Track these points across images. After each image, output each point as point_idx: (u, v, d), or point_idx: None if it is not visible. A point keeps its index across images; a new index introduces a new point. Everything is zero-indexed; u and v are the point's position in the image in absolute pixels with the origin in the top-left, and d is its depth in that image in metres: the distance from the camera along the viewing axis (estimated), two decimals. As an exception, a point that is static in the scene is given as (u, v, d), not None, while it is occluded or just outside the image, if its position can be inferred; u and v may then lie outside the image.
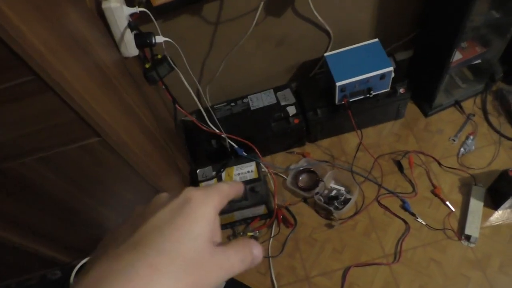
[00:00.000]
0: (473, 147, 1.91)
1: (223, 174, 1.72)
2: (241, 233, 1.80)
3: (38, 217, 1.31)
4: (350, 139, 2.00)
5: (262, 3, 1.42)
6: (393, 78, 1.76)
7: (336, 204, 1.78)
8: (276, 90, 1.95)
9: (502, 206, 1.71)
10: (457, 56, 1.80)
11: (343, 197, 1.80)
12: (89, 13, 1.16)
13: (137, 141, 1.26)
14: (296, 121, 1.83)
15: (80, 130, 1.01)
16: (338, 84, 1.66)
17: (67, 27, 1.00)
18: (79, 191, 1.24)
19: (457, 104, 2.04)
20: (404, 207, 1.78)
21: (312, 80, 1.96)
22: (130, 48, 1.32)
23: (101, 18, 1.23)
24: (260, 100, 1.91)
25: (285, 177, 1.93)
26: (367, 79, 1.69)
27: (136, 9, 1.27)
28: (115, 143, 1.11)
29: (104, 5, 1.19)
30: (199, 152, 1.91)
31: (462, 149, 1.91)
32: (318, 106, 1.86)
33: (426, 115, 2.04)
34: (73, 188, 1.22)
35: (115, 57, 1.30)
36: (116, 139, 1.10)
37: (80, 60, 1.01)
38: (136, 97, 1.39)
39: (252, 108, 1.89)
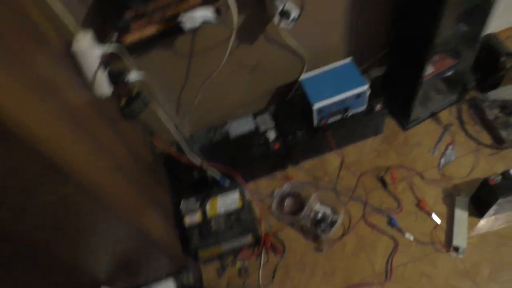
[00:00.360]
0: (453, 157, 1.93)
1: (207, 206, 1.69)
2: (230, 265, 1.77)
3: (14, 271, 1.26)
4: (332, 159, 2.00)
5: (234, 33, 1.42)
6: (369, 95, 1.78)
7: (323, 226, 1.77)
8: (255, 115, 1.95)
9: (486, 215, 1.73)
10: (429, 69, 1.83)
11: (329, 219, 1.79)
12: (58, 56, 1.14)
13: (112, 181, 1.23)
14: (277, 146, 1.83)
15: (50, 179, 0.97)
16: (315, 107, 1.67)
17: (32, 73, 0.97)
18: (55, 238, 1.20)
19: (434, 115, 2.07)
20: (391, 223, 1.78)
21: (290, 102, 1.96)
22: (103, 88, 1.30)
23: (72, 59, 1.21)
24: (240, 127, 1.90)
25: (270, 201, 1.92)
26: (343, 100, 1.70)
27: (108, 48, 1.26)
28: (89, 187, 1.08)
29: (74, 48, 1.17)
30: (181, 183, 1.88)
31: (442, 160, 1.93)
32: (297, 128, 1.86)
33: (404, 128, 2.06)
34: (49, 236, 1.18)
35: (87, 97, 1.28)
36: (89, 183, 1.07)
37: (47, 107, 0.98)
38: (111, 135, 1.37)
39: (231, 136, 1.88)
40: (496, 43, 2.00)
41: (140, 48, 1.35)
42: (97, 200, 1.15)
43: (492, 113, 1.98)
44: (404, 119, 2.05)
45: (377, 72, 2.09)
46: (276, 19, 1.40)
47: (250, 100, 1.92)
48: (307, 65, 1.85)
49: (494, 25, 2.12)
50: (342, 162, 1.86)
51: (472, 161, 1.91)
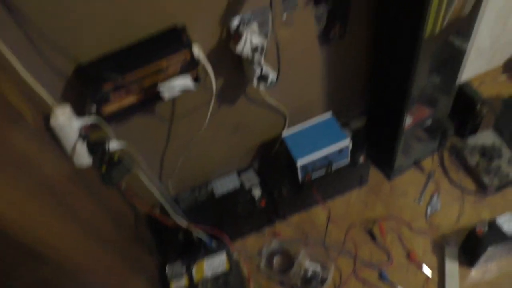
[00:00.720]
0: (439, 205, 1.93)
1: (194, 270, 1.64)
2: (219, 331, 1.70)
3: None
4: (319, 213, 1.98)
5: (214, 97, 1.44)
6: (352, 147, 1.78)
7: (314, 284, 1.73)
8: (239, 172, 1.94)
9: (476, 264, 1.71)
10: (408, 119, 1.86)
11: (319, 276, 1.75)
12: (34, 131, 1.13)
13: (92, 256, 1.20)
14: (263, 203, 1.81)
15: (27, 261, 0.94)
16: (298, 164, 1.68)
17: (5, 153, 0.95)
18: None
19: (417, 164, 2.09)
20: (382, 277, 1.75)
21: (274, 157, 1.97)
22: (83, 158, 1.29)
23: (51, 133, 1.21)
24: (224, 185, 1.89)
25: (258, 260, 1.87)
26: (326, 155, 1.71)
27: (87, 120, 1.26)
28: (68, 266, 1.04)
29: (53, 122, 1.17)
30: (167, 246, 1.83)
31: (428, 209, 1.92)
32: (282, 184, 1.85)
33: (389, 178, 2.07)
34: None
35: (67, 169, 1.26)
36: (68, 262, 1.04)
37: (22, 187, 0.96)
38: (91, 206, 1.34)
39: (216, 195, 1.86)
40: (471, 91, 2.05)
41: (119, 116, 1.35)
42: (78, 279, 1.11)
43: (473, 159, 2.00)
44: (388, 168, 2.06)
45: (358, 122, 2.12)
46: (255, 82, 1.43)
47: (234, 158, 1.92)
48: (289, 121, 1.87)
49: (467, 72, 2.20)
50: (329, 217, 1.84)
51: (458, 209, 1.91)
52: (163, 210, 1.77)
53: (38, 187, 1.04)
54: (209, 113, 1.50)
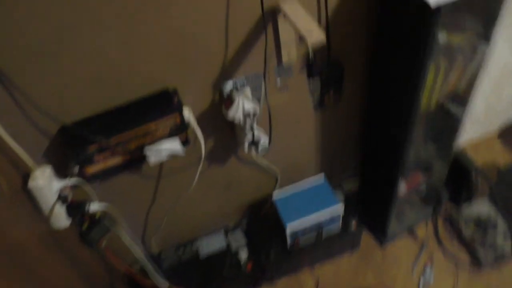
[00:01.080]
0: (432, 278, 1.86)
1: None
2: None
3: None
4: (308, 278, 1.90)
5: (203, 159, 1.40)
6: (344, 211, 1.72)
7: None
8: (226, 231, 1.87)
9: None
10: (402, 186, 1.82)
11: None
12: (6, 196, 1.08)
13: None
14: (249, 267, 1.73)
15: None
16: (288, 230, 1.62)
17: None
18: None
19: (410, 230, 2.03)
20: None
21: (263, 218, 1.90)
22: (61, 221, 1.23)
23: (29, 195, 1.15)
24: (210, 245, 1.82)
25: (241, 327, 1.78)
26: (317, 221, 1.65)
27: (68, 182, 1.21)
28: None
29: (31, 184, 1.12)
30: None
31: (421, 282, 1.85)
32: (270, 246, 1.78)
33: (381, 244, 2.00)
34: None
35: (41, 232, 1.20)
36: None
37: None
38: (66, 270, 1.28)
39: (201, 256, 1.78)
40: (465, 159, 2.01)
41: (103, 176, 1.30)
42: None
43: (468, 230, 1.95)
44: (380, 234, 2.00)
45: (351, 183, 2.08)
46: (246, 147, 1.39)
47: (222, 216, 1.86)
48: (280, 181, 1.83)
49: (462, 138, 2.18)
50: (317, 286, 1.76)
51: (452, 284, 1.83)
52: (143, 271, 1.69)
53: (3, 260, 0.97)
54: (197, 174, 1.46)
